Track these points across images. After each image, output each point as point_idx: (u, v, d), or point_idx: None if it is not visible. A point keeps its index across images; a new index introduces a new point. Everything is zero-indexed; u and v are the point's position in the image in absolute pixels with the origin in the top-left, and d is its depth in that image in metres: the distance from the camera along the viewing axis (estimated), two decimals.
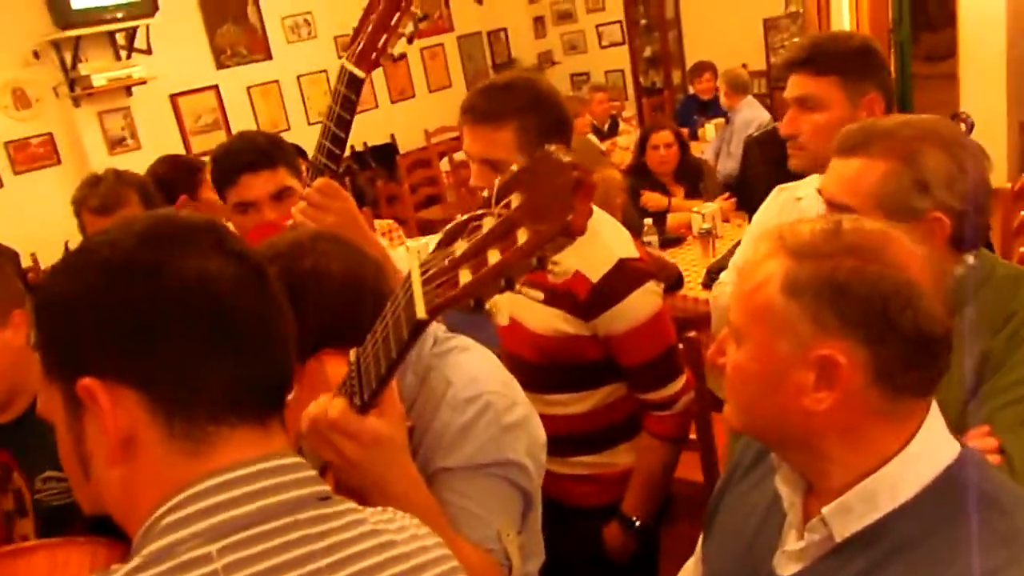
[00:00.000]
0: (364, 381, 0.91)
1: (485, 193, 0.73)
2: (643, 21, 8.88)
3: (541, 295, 0.72)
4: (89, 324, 0.70)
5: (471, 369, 1.24)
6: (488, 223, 0.72)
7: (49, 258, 6.02)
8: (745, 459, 1.18)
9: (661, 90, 8.70)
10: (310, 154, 3.59)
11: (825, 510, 0.93)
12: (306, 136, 7.00)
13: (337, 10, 8.06)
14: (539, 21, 9.72)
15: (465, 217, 0.75)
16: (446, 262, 0.75)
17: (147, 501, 0.70)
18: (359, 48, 1.43)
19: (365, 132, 7.70)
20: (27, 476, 1.51)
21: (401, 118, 8.34)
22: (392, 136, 8.29)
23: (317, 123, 7.85)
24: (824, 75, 1.73)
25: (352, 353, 0.93)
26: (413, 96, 8.66)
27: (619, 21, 9.02)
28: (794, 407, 0.92)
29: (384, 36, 1.40)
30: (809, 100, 1.76)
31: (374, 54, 1.42)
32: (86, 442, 0.73)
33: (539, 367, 1.79)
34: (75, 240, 2.17)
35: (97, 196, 2.05)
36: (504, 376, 1.29)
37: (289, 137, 6.78)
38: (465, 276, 0.72)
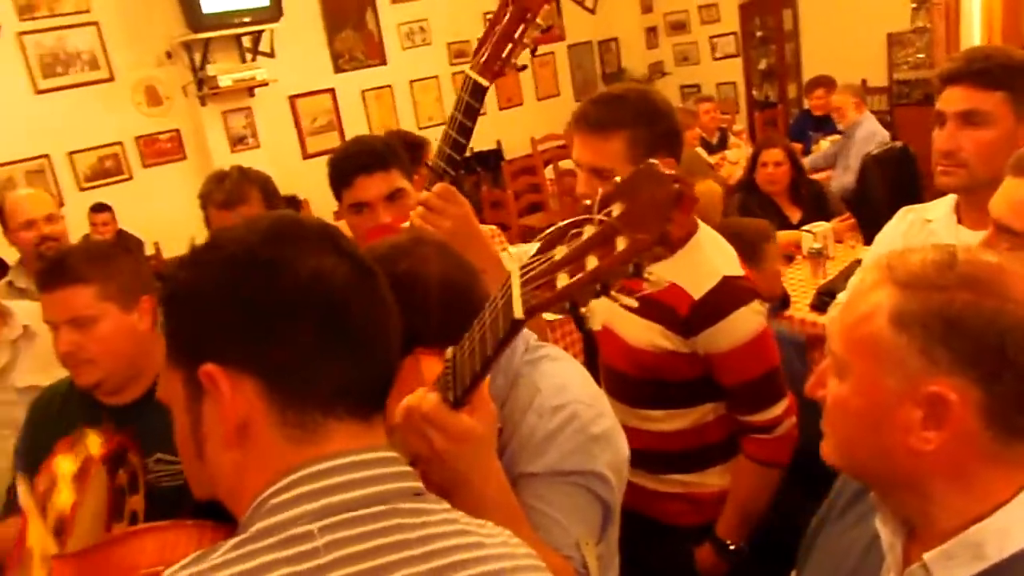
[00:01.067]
0: (459, 378, 0.93)
1: (587, 202, 0.74)
2: (759, 33, 8.69)
3: (635, 303, 0.72)
4: (214, 314, 0.74)
5: (560, 378, 1.24)
6: (589, 230, 0.73)
7: (171, 248, 6.34)
8: (843, 497, 1.13)
9: (775, 104, 8.49)
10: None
11: (927, 556, 0.88)
12: None
13: (451, 18, 8.22)
14: (651, 31, 9.65)
15: (565, 223, 0.76)
16: (545, 265, 0.77)
17: (255, 484, 0.73)
18: (483, 58, 1.44)
19: (472, 137, 7.80)
20: (142, 456, 1.59)
21: (508, 125, 8.43)
22: (498, 142, 8.38)
23: (427, 127, 8.02)
24: (994, 89, 1.62)
25: (449, 351, 0.95)
26: (521, 104, 8.73)
27: (734, 33, 8.86)
28: (899, 446, 0.87)
29: (508, 46, 1.42)
30: (975, 115, 1.64)
31: (498, 64, 1.44)
32: (202, 425, 0.76)
33: (635, 381, 1.77)
34: (199, 233, 2.25)
35: (222, 192, 2.12)
36: (592, 388, 1.29)
37: None
38: (563, 280, 0.74)
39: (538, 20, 1.38)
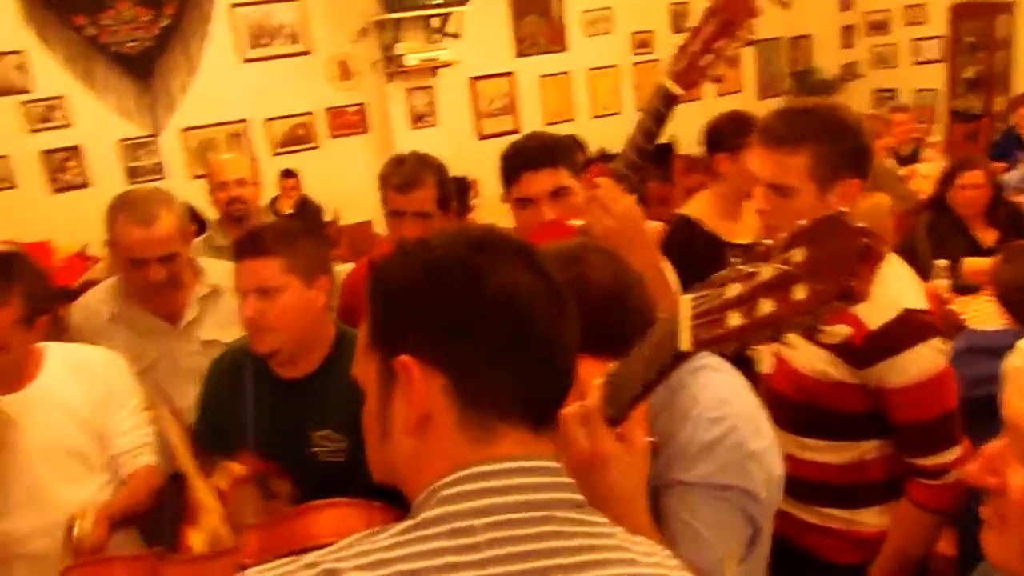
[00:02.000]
0: (617, 395, 0.93)
1: (768, 242, 0.71)
2: (969, 38, 8.04)
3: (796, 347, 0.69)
4: (417, 310, 0.79)
5: (721, 390, 1.22)
6: (766, 272, 0.71)
7: (349, 215, 6.69)
8: None
9: (978, 116, 7.85)
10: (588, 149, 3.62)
11: None
12: (589, 129, 7.17)
13: (636, 8, 8.12)
14: (848, 30, 9.15)
15: (741, 265, 0.74)
16: (717, 301, 0.75)
17: (429, 473, 0.78)
18: (682, 67, 1.42)
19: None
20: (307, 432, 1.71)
21: (684, 120, 8.22)
22: (672, 137, 8.24)
23: (602, 115, 8.01)
24: None
25: (611, 366, 0.96)
26: (699, 99, 8.52)
27: (941, 36, 8.26)
28: None
29: (708, 57, 1.39)
30: None
31: (695, 74, 1.41)
32: (391, 410, 0.81)
33: (799, 406, 1.70)
34: (376, 207, 2.33)
35: (399, 175, 2.19)
36: (752, 402, 1.26)
37: (572, 129, 6.99)
38: (734, 319, 0.73)
39: (742, 33, 1.35)
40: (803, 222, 0.70)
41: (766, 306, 0.69)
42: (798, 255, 0.68)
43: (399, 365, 0.78)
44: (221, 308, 2.22)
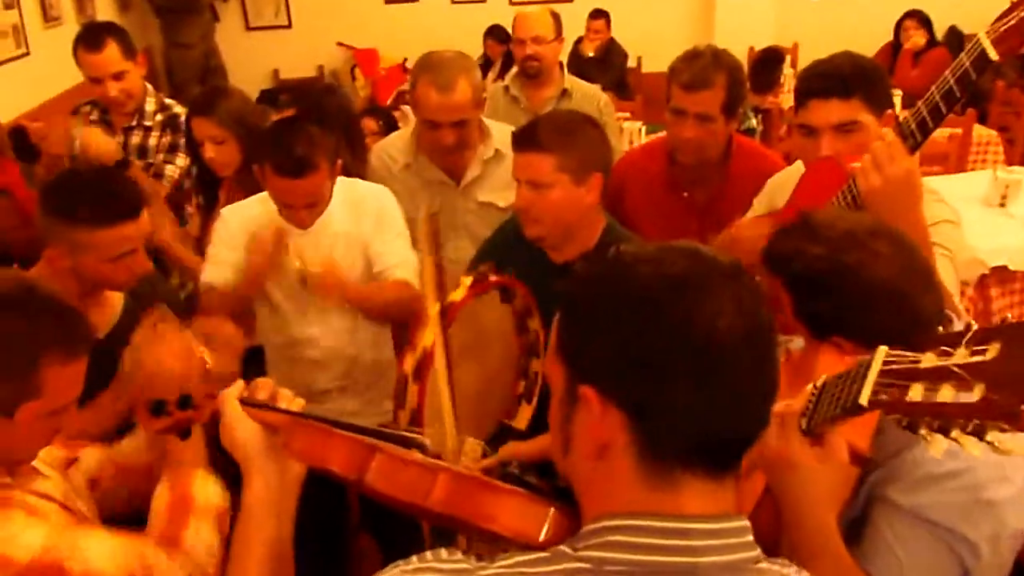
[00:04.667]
0: (818, 409, 0.90)
1: (974, 326, 0.69)
2: None
3: (977, 451, 0.68)
4: (603, 342, 0.76)
5: None
6: (960, 355, 0.68)
7: (652, 63, 6.54)
8: None
9: None
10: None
11: None
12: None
13: None
14: None
15: (944, 334, 0.72)
16: (909, 366, 0.73)
17: (603, 502, 0.77)
18: (1004, 27, 1.25)
19: None
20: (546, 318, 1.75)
21: None
22: None
23: None
24: None
25: (821, 378, 0.92)
26: None
27: None
28: None
29: None
30: None
31: (1018, 38, 1.25)
32: (571, 428, 0.80)
33: None
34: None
35: (689, 72, 2.06)
36: None
37: None
38: (915, 393, 0.71)
39: None
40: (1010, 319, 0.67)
41: (944, 392, 0.68)
42: (992, 350, 0.65)
43: (581, 392, 0.76)
44: (501, 171, 2.33)
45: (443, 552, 0.78)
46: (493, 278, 1.59)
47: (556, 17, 3.24)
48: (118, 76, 2.70)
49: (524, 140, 1.77)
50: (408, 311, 2.06)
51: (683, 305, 0.73)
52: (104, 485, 1.41)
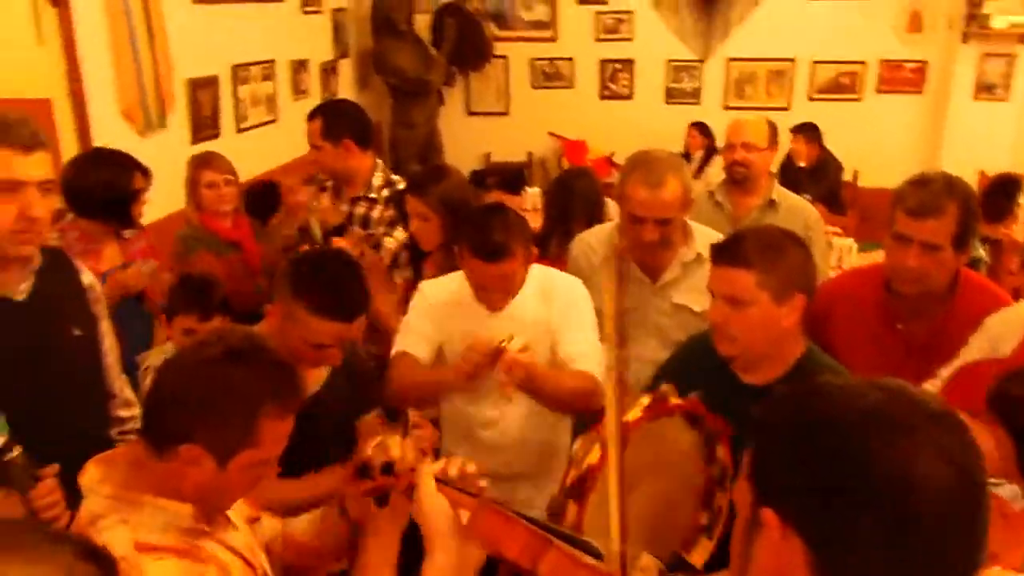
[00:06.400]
0: None
1: None
2: None
3: None
4: (792, 467, 0.74)
5: None
6: None
7: (870, 178, 6.27)
8: None
9: None
10: None
11: None
12: None
13: None
14: None
15: None
16: None
17: None
18: None
19: None
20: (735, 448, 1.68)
21: None
22: None
23: None
24: None
25: None
26: None
27: None
28: None
29: None
30: None
31: None
32: (752, 549, 0.78)
33: None
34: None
35: (915, 198, 1.93)
36: None
37: None
38: None
39: None
40: None
41: None
42: None
43: (763, 515, 0.75)
44: (701, 275, 2.24)
45: None
46: (674, 402, 1.52)
47: (772, 127, 3.18)
48: (315, 147, 2.93)
49: (726, 253, 1.72)
50: (587, 404, 2.04)
51: (877, 443, 0.70)
52: (273, 554, 1.46)
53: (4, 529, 0.62)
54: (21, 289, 1.63)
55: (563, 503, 1.39)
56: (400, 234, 2.91)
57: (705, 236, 2.35)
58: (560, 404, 2.16)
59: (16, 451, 1.46)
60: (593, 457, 1.40)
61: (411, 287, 2.65)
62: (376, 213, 2.98)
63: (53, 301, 1.70)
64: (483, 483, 1.20)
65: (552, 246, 3.26)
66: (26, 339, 1.63)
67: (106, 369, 1.87)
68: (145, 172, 2.74)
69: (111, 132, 3.67)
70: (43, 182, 1.55)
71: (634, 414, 1.47)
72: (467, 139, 7.23)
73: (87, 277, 1.85)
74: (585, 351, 2.09)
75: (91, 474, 1.23)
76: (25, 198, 1.52)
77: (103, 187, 2.61)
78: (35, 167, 1.53)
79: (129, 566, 1.10)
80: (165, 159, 3.44)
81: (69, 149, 3.41)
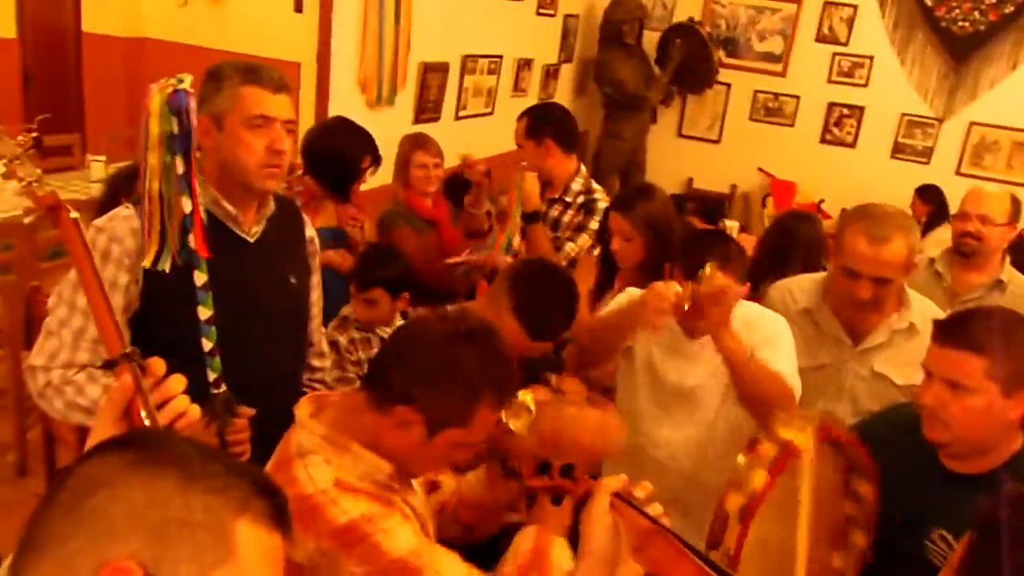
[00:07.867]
0: None
1: None
2: None
3: None
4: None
5: None
6: None
7: None
8: None
9: None
10: None
11: None
12: None
13: None
14: None
15: None
16: None
17: None
18: None
19: None
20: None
21: None
22: None
23: None
24: None
25: None
26: None
27: None
28: None
29: None
30: None
31: None
32: None
33: None
34: None
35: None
36: None
37: None
38: None
39: None
40: None
41: None
42: None
43: None
44: (910, 348, 2.11)
45: None
46: (836, 433, 1.47)
47: (1016, 202, 2.89)
48: (520, 145, 3.04)
49: (954, 333, 1.57)
50: (771, 405, 1.82)
51: None
52: (447, 511, 1.53)
53: (196, 455, 0.67)
54: (254, 232, 1.76)
55: (723, 526, 1.37)
56: (583, 241, 2.95)
57: (922, 306, 2.19)
58: (755, 386, 1.93)
59: (223, 388, 1.58)
60: (759, 482, 1.36)
61: (595, 299, 2.64)
62: (567, 218, 3.01)
63: (278, 247, 1.82)
64: (659, 508, 1.20)
65: (763, 288, 3.12)
66: (250, 279, 1.75)
67: (311, 319, 1.98)
68: (377, 158, 2.91)
69: (345, 100, 3.91)
70: (287, 121, 1.68)
71: (804, 442, 1.42)
72: (673, 161, 7.14)
73: (309, 230, 1.96)
74: (786, 371, 1.95)
75: (306, 408, 1.32)
76: (274, 131, 1.65)
77: (336, 157, 2.78)
78: (281, 106, 1.67)
79: (328, 498, 1.20)
80: (387, 134, 3.61)
81: (307, 107, 3.66)
